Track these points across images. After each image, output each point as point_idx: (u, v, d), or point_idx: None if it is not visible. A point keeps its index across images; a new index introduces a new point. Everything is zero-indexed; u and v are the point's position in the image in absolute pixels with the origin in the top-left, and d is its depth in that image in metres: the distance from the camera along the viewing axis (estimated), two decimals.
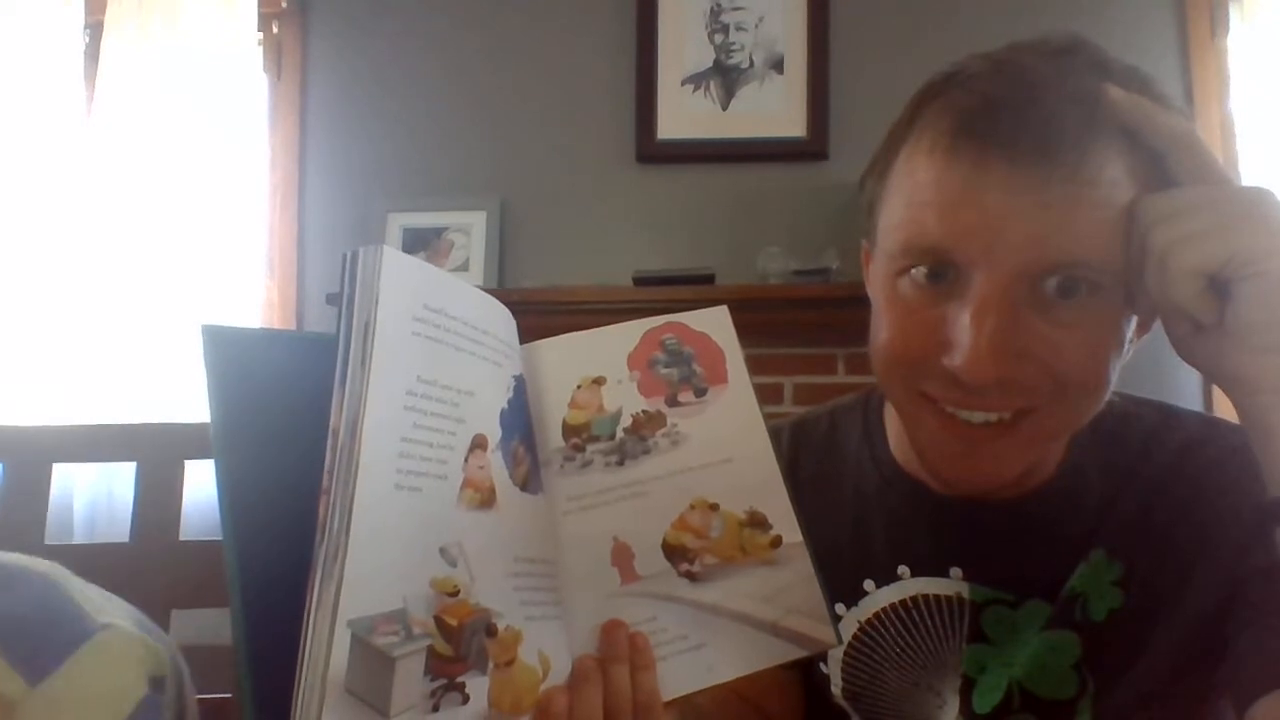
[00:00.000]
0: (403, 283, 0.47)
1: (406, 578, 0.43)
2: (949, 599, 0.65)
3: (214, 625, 0.85)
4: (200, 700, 0.85)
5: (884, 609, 0.67)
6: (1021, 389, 0.54)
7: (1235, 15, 2.24)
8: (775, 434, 0.76)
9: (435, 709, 0.43)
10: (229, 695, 0.89)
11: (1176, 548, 0.59)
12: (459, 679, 0.44)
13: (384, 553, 0.42)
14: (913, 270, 0.56)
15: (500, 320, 0.54)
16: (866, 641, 0.68)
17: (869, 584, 0.68)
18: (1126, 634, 0.60)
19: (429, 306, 0.48)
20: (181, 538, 0.91)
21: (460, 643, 0.44)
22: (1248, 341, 0.50)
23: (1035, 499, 0.63)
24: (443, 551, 0.45)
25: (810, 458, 0.75)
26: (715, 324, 0.61)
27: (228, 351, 0.46)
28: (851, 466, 0.73)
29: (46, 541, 0.90)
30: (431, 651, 0.43)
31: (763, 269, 2.17)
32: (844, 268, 2.12)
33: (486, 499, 0.48)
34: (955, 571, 0.65)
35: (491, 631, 0.46)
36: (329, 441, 0.42)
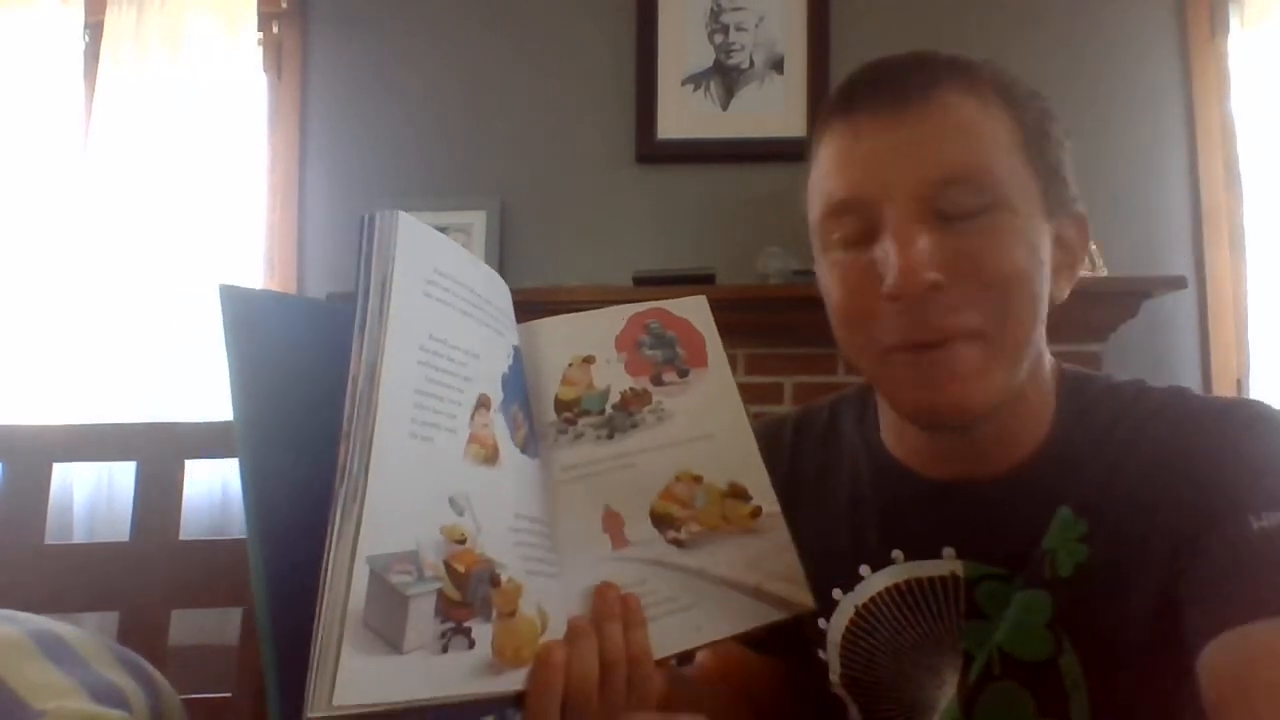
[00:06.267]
0: (416, 246, 0.49)
1: (419, 522, 0.45)
2: (943, 579, 0.66)
3: (214, 625, 0.85)
4: (201, 700, 0.85)
5: (879, 593, 0.69)
6: (960, 303, 0.58)
7: (1234, 16, 2.24)
8: (779, 426, 0.80)
9: (444, 650, 0.45)
10: (229, 695, 0.89)
11: (1138, 506, 0.60)
12: (466, 624, 0.46)
13: (399, 495, 0.44)
14: (836, 235, 0.63)
15: (500, 291, 0.58)
16: (864, 626, 0.70)
17: (864, 569, 0.70)
18: (1094, 589, 0.61)
19: (439, 271, 0.51)
20: (181, 537, 0.92)
21: (468, 589, 0.46)
22: None
23: (1020, 473, 0.65)
24: (452, 501, 0.47)
25: (811, 448, 0.77)
26: (694, 311, 0.66)
27: (246, 311, 0.49)
28: (848, 456, 0.75)
29: (46, 541, 0.90)
30: (441, 595, 0.45)
31: (763, 269, 2.17)
32: None
33: (490, 455, 0.51)
34: (948, 552, 0.67)
35: (495, 582, 0.48)
36: (348, 388, 0.44)
